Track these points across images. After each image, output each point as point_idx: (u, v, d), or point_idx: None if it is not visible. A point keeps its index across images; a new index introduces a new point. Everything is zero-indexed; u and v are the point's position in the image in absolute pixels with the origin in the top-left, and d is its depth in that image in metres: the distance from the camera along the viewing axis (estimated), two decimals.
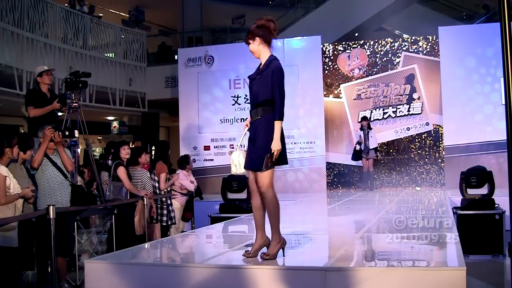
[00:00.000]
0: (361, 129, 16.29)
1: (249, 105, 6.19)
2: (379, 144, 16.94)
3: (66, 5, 17.92)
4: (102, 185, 10.29)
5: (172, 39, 25.59)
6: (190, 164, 12.24)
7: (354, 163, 17.12)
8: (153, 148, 17.12)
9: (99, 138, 23.08)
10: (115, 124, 21.65)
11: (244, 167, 5.76)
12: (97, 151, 22.72)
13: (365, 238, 7.42)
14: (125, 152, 9.75)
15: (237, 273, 5.18)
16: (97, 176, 10.79)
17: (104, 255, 7.51)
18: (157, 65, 21.57)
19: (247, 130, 5.99)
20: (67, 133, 8.34)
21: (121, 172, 9.50)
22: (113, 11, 25.66)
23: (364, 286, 4.79)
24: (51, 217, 6.68)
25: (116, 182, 9.53)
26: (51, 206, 6.73)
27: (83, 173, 15.14)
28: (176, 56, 20.03)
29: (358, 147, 16.24)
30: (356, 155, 16.50)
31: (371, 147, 16.09)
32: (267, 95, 5.69)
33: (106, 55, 19.48)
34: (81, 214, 8.81)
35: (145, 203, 9.60)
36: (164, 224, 10.68)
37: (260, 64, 6.04)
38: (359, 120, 16.92)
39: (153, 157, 13.37)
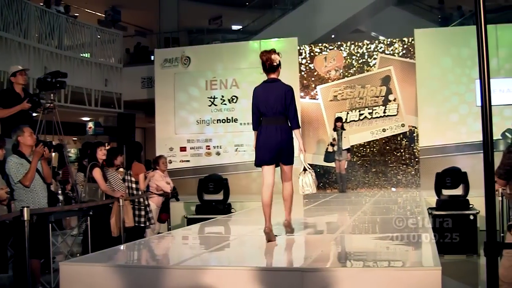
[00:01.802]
0: (335, 129, 16.08)
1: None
2: (354, 145, 17.02)
3: (41, 4, 17.80)
4: (77, 186, 10.22)
5: (148, 40, 25.54)
6: (161, 166, 12.13)
7: (328, 164, 17.08)
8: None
9: (74, 139, 22.91)
10: (90, 125, 21.50)
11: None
12: (72, 152, 22.57)
13: (341, 239, 7.43)
14: (101, 153, 9.69)
15: (213, 274, 5.16)
16: (73, 177, 10.71)
17: (79, 257, 7.45)
18: (133, 66, 21.51)
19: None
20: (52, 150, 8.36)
21: (97, 173, 9.44)
22: (89, 11, 25.57)
23: (341, 286, 4.79)
24: (25, 219, 6.62)
25: (91, 183, 9.47)
26: (25, 208, 6.67)
27: (58, 174, 15.01)
28: (152, 57, 20.00)
29: (330, 149, 16.17)
30: (329, 157, 16.43)
31: (344, 148, 15.88)
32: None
33: (81, 55, 19.37)
34: (56, 215, 8.73)
35: (121, 204, 9.55)
36: (142, 225, 10.62)
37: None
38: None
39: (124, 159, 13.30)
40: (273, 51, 6.96)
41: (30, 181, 7.69)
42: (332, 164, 16.59)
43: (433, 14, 22.98)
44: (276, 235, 6.87)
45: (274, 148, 6.79)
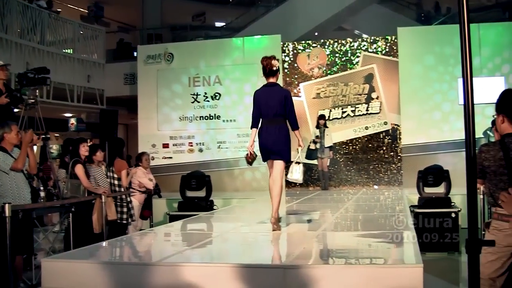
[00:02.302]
0: (318, 127, 16.08)
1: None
2: (337, 143, 17.06)
3: None
4: (59, 182, 10.16)
5: (131, 36, 25.42)
6: (143, 162, 12.10)
7: (311, 161, 17.04)
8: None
9: (56, 135, 22.78)
10: (72, 121, 21.40)
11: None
12: (54, 148, 22.43)
13: (323, 236, 7.44)
14: (84, 150, 9.68)
15: (195, 271, 5.16)
16: (55, 173, 10.65)
17: (61, 254, 7.42)
18: (116, 62, 21.41)
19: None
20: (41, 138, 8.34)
21: (79, 170, 9.40)
22: (71, 6, 25.40)
23: (323, 283, 4.80)
24: (7, 215, 6.58)
25: (73, 180, 9.42)
26: (6, 204, 6.64)
27: (41, 171, 14.91)
28: (135, 53, 19.91)
29: (312, 146, 16.06)
30: (311, 154, 16.27)
31: (326, 146, 15.88)
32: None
33: (64, 51, 19.24)
34: (38, 212, 8.69)
35: (103, 201, 9.51)
36: (124, 222, 10.57)
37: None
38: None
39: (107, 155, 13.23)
40: (273, 57, 7.95)
41: (22, 163, 7.68)
42: (315, 162, 16.51)
43: (416, 12, 23.05)
44: (279, 226, 7.56)
45: (274, 145, 7.56)
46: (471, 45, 3.34)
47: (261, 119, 7.70)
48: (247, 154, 7.88)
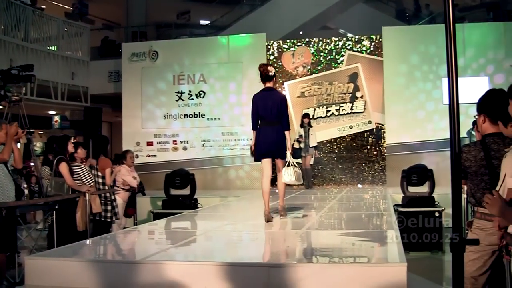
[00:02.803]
0: (302, 126, 15.88)
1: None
2: (321, 141, 17.09)
3: None
4: (43, 180, 10.10)
5: (116, 33, 25.34)
6: (128, 160, 12.07)
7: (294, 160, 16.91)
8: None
9: (40, 132, 22.65)
10: (56, 118, 21.25)
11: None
12: (38, 145, 22.31)
13: (307, 234, 7.45)
14: (71, 147, 9.65)
15: (180, 270, 5.15)
16: (38, 171, 10.59)
17: (45, 252, 7.38)
18: (101, 60, 21.33)
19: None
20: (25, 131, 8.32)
21: (63, 168, 9.36)
22: (56, 3, 25.28)
23: (307, 282, 4.81)
24: None
25: (57, 177, 9.38)
26: None
27: (25, 168, 14.81)
28: (120, 51, 19.85)
29: (296, 145, 15.62)
30: (295, 153, 15.91)
31: (311, 145, 15.77)
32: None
33: (48, 48, 19.13)
34: (21, 209, 8.64)
35: (87, 198, 9.48)
36: (109, 220, 10.53)
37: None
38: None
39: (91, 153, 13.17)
40: (269, 64, 9.03)
41: (8, 155, 7.63)
42: (298, 160, 16.06)
43: (401, 12, 23.10)
44: (272, 217, 8.38)
45: (270, 145, 8.30)
46: (456, 45, 3.36)
47: (259, 121, 8.41)
48: (252, 151, 8.57)
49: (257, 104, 8.43)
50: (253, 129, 8.50)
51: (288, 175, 8.45)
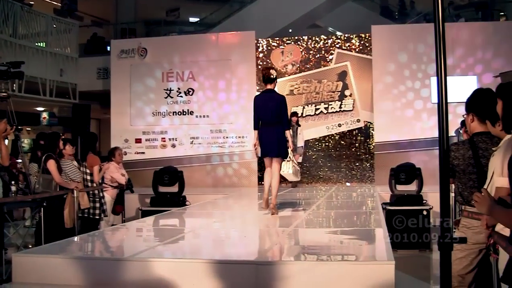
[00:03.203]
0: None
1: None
2: (310, 140, 17.11)
3: None
4: (30, 177, 10.06)
5: (104, 30, 25.24)
6: (117, 157, 12.06)
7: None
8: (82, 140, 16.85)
9: (28, 129, 22.58)
10: (44, 115, 21.22)
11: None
12: (26, 142, 22.24)
13: (295, 232, 7.46)
14: (60, 144, 9.63)
15: (167, 267, 5.15)
16: (26, 167, 10.55)
17: (32, 249, 7.39)
18: (89, 56, 21.22)
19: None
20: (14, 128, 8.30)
21: (51, 165, 9.34)
22: None
23: (295, 279, 4.82)
24: None
25: (45, 174, 9.36)
26: None
27: (11, 164, 14.73)
28: (108, 48, 19.79)
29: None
30: None
31: (298, 145, 15.54)
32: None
33: (37, 44, 19.04)
34: (9, 206, 8.62)
35: (75, 195, 9.45)
36: (97, 217, 10.52)
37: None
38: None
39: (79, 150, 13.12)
40: (271, 67, 9.52)
41: None
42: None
43: (390, 11, 23.17)
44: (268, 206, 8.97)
45: (271, 146, 8.94)
46: (445, 45, 3.37)
47: (260, 121, 9.07)
48: (256, 149, 9.35)
49: (258, 105, 9.09)
50: (254, 128, 9.15)
51: (287, 168, 9.40)
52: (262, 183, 9.72)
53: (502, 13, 19.80)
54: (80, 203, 9.73)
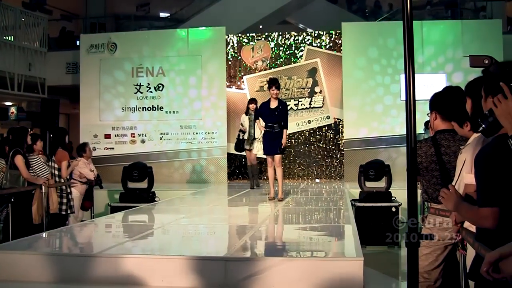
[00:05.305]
0: (247, 113, 14.13)
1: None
2: None
3: None
4: None
5: (74, 25, 25.02)
6: (87, 152, 11.99)
7: (240, 153, 16.14)
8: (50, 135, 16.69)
9: None
10: (12, 109, 20.98)
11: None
12: None
13: (265, 229, 7.48)
14: (29, 139, 9.56)
15: (136, 263, 5.14)
16: None
17: (0, 245, 7.31)
18: (58, 51, 21.04)
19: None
20: None
21: (19, 160, 9.25)
22: None
23: (264, 275, 4.84)
24: None
25: (13, 170, 9.27)
26: None
27: None
28: (78, 42, 19.64)
29: (242, 136, 14.11)
30: (240, 145, 14.32)
31: (256, 137, 13.64)
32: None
33: (4, 38, 18.83)
34: None
35: (43, 191, 9.38)
36: (64, 213, 10.43)
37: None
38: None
39: (48, 145, 13.02)
40: (276, 79, 11.35)
41: None
42: (243, 154, 15.52)
43: (361, 8, 23.25)
44: (273, 197, 10.85)
45: (271, 146, 10.76)
46: (413, 42, 3.40)
47: (264, 123, 10.82)
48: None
49: (263, 110, 11.05)
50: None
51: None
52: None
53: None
54: (50, 207, 9.66)
